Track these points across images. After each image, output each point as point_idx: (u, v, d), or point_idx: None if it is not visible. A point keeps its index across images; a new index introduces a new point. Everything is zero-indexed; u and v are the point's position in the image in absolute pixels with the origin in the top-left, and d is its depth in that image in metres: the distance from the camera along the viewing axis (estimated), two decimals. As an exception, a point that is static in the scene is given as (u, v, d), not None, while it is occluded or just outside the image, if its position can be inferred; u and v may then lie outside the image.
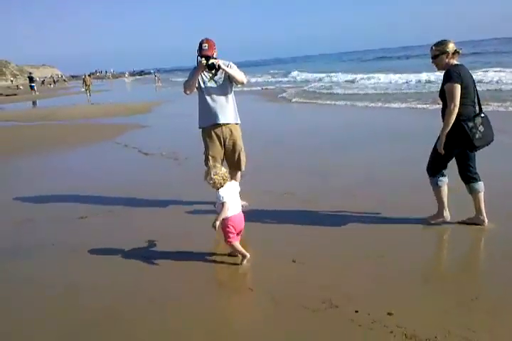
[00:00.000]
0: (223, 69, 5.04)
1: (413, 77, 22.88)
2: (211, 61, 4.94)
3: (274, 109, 17.68)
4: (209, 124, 5.22)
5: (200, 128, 5.36)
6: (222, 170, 3.84)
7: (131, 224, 5.18)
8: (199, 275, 3.76)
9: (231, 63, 5.19)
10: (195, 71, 5.11)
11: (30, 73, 47.39)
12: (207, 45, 4.96)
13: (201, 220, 4.85)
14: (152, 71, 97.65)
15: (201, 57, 4.97)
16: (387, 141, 9.02)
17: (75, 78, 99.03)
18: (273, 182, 6.58)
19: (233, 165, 5.44)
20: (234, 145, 5.32)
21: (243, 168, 5.48)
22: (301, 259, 3.89)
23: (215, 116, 5.16)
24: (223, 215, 3.73)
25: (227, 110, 5.19)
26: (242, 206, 4.04)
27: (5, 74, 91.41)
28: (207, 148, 5.34)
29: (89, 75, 34.19)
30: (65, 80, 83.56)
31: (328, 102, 17.69)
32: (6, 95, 41.24)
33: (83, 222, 5.32)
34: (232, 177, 5.59)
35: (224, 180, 3.78)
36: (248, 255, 3.87)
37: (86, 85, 29.59)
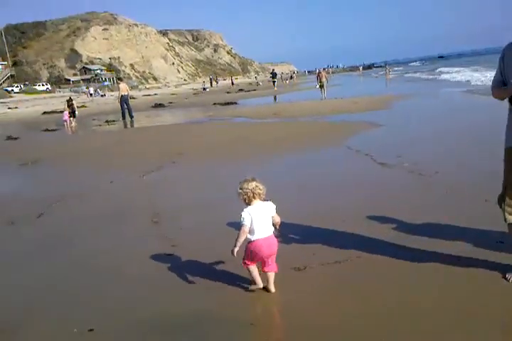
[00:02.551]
0: None
1: None
2: None
3: None
4: None
5: (507, 147, 3.32)
6: (251, 185, 3.26)
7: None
8: None
9: None
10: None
11: (273, 69, 49.87)
12: None
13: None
14: (382, 64, 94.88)
15: None
16: None
17: (309, 73, 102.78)
18: None
19: None
20: None
21: None
22: None
23: None
24: (240, 240, 3.25)
25: None
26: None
27: (249, 72, 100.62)
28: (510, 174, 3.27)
29: (324, 69, 32.96)
30: (301, 75, 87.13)
31: None
32: (247, 91, 44.33)
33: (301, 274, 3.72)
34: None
35: (250, 197, 3.26)
36: (260, 285, 3.40)
37: (321, 81, 28.02)
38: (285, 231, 4.54)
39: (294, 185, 6.76)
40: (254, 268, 3.40)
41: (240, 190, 3.28)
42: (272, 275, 3.40)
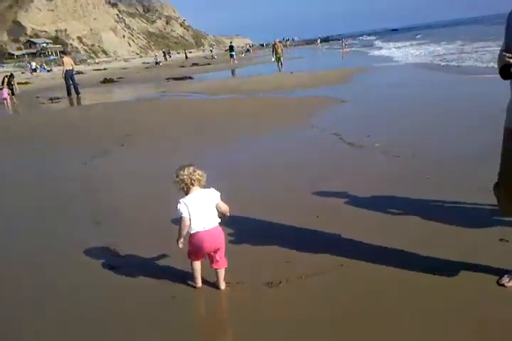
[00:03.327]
0: None
1: None
2: None
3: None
4: None
5: (506, 127, 2.71)
6: (188, 171, 2.92)
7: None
8: None
9: None
10: None
11: (230, 42, 48.48)
12: None
13: None
14: (338, 37, 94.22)
15: None
16: None
17: (266, 47, 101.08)
18: None
19: None
20: None
21: None
22: None
23: None
24: (181, 234, 2.93)
25: None
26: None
27: (203, 45, 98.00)
28: (506, 168, 2.72)
29: (279, 42, 31.32)
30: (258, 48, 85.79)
31: None
32: (202, 65, 42.79)
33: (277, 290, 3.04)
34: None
35: (188, 184, 2.92)
36: (198, 285, 3.08)
37: (277, 53, 26.66)
38: (247, 232, 3.87)
39: (254, 173, 6.04)
40: (196, 266, 3.06)
41: (177, 179, 2.94)
42: (221, 272, 3.05)
